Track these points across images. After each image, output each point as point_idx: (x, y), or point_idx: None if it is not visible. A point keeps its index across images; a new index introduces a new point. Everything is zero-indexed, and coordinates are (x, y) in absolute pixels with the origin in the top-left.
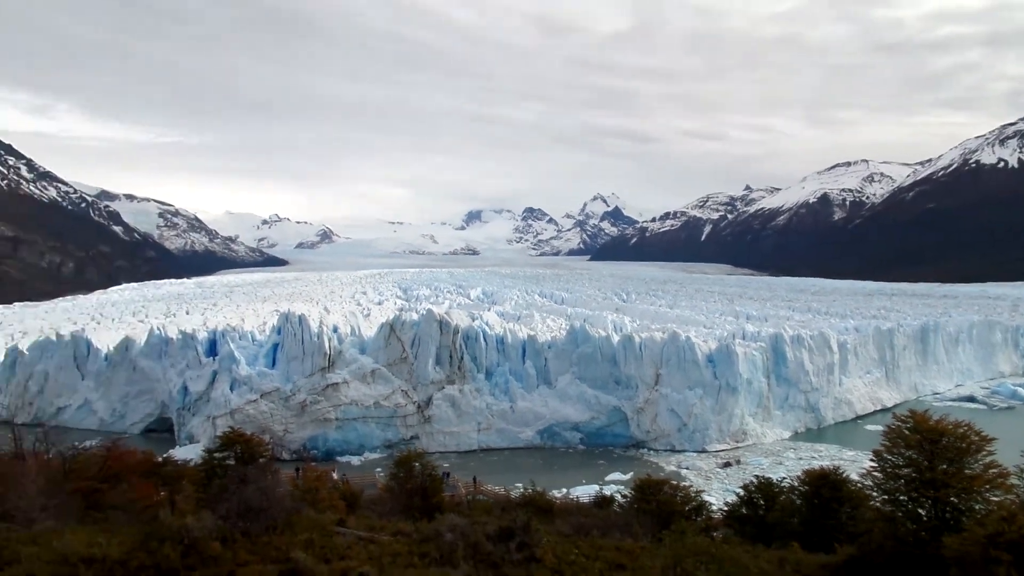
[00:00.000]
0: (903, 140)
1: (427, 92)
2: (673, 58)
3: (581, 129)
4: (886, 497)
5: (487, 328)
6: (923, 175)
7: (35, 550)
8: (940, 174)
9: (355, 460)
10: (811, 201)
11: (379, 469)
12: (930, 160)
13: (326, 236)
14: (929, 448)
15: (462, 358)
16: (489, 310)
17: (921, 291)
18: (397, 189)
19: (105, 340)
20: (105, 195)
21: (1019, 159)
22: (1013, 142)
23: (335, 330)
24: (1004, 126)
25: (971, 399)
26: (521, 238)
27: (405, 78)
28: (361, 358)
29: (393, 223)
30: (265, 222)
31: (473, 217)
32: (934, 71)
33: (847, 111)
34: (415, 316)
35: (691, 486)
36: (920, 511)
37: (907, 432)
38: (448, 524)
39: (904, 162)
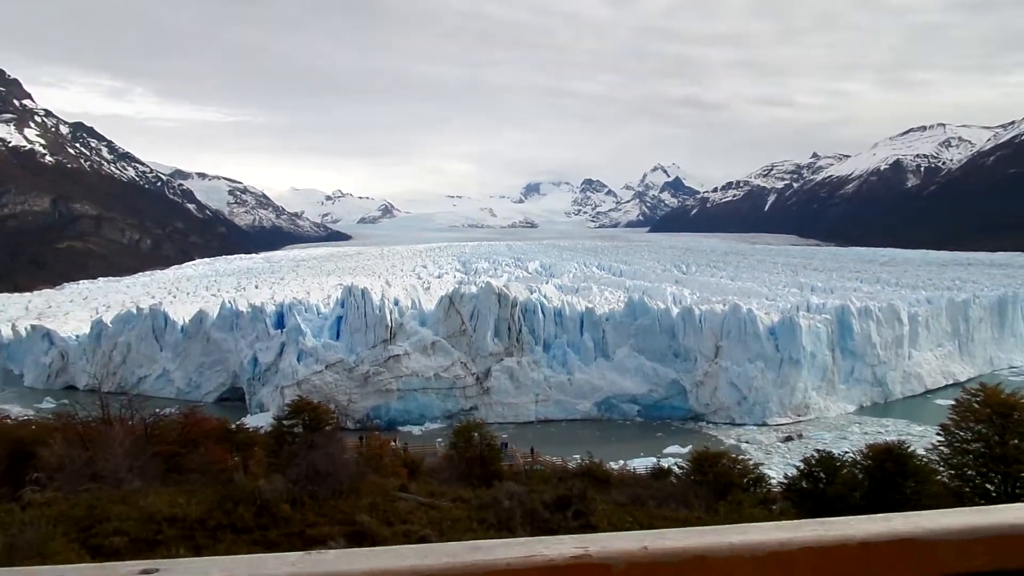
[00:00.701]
0: (987, 102)
1: (497, 67)
2: (739, 23)
3: (645, 99)
4: (953, 472)
5: (545, 301)
6: (1005, 139)
7: (124, 509)
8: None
9: (416, 430)
10: (882, 168)
11: (439, 439)
12: (1013, 123)
13: (387, 211)
14: (1000, 422)
15: (520, 330)
16: (547, 283)
17: (1000, 261)
18: (460, 164)
19: (181, 313)
20: (179, 174)
21: None
22: None
23: (396, 303)
24: None
25: None
26: (579, 210)
27: (477, 55)
28: (421, 330)
29: (452, 197)
30: (328, 198)
31: (531, 190)
32: (1021, 28)
33: (925, 72)
34: (474, 289)
35: (750, 459)
36: (989, 486)
37: (976, 406)
38: (506, 492)
39: (985, 125)
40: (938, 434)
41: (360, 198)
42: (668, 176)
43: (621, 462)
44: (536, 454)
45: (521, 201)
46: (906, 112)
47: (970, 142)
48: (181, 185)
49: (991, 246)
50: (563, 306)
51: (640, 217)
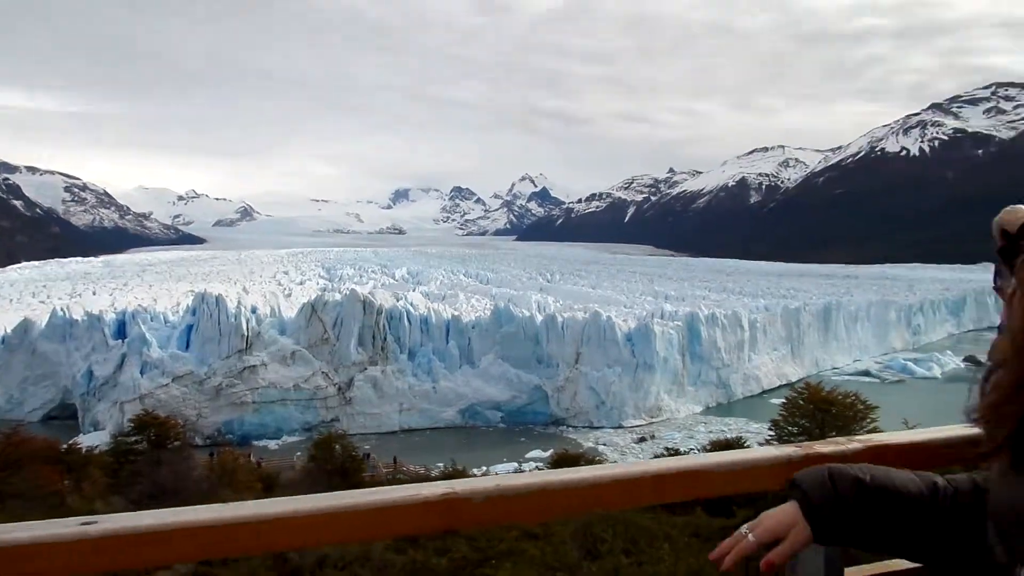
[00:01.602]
0: (819, 127)
1: (366, 70)
2: (606, 40)
3: (514, 110)
4: None
5: (411, 308)
6: (833, 161)
7: None
8: (849, 161)
9: (273, 444)
10: (730, 185)
11: (298, 453)
12: (840, 147)
13: (246, 214)
14: (820, 416)
15: (385, 339)
16: (414, 290)
17: (826, 272)
18: (326, 167)
19: (1, 322)
20: (4, 167)
21: (920, 148)
22: (916, 131)
23: (254, 311)
24: (908, 116)
25: (866, 373)
26: (448, 218)
27: (346, 56)
28: (281, 339)
29: (318, 201)
30: (181, 198)
31: (400, 196)
32: (849, 62)
33: (768, 98)
34: (338, 296)
35: (606, 460)
36: None
37: (801, 403)
38: None
39: (817, 148)
40: (770, 429)
41: (217, 199)
42: (535, 186)
43: (484, 468)
44: (399, 463)
45: (389, 207)
46: (752, 132)
47: (804, 163)
48: (7, 179)
49: (820, 258)
50: (430, 314)
51: (508, 225)
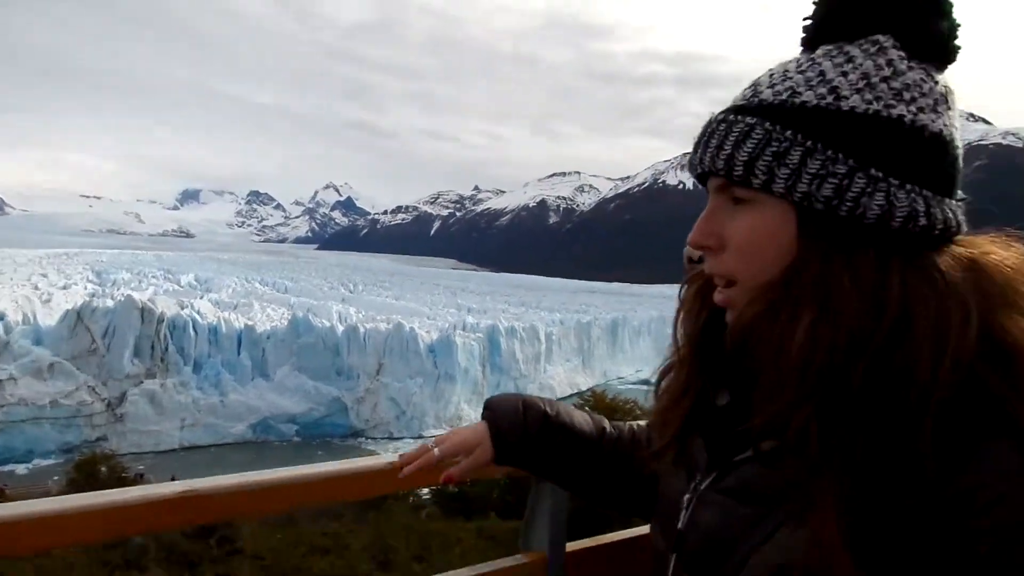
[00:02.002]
0: (612, 158)
1: (152, 59)
2: (414, 56)
3: (319, 117)
4: None
5: (198, 317)
6: (623, 189)
7: None
8: (636, 190)
9: (21, 468)
10: (531, 205)
11: (55, 477)
12: (628, 176)
13: None
14: None
15: (166, 349)
16: (202, 297)
17: (615, 290)
18: (97, 160)
19: None
20: None
21: (694, 183)
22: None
23: (1, 318)
24: (685, 154)
25: (646, 382)
26: (244, 223)
27: (130, 43)
28: (36, 350)
29: (89, 197)
30: None
31: (189, 197)
32: (637, 101)
33: (567, 127)
34: (110, 303)
35: None
36: None
37: (587, 409)
38: None
39: (609, 176)
40: None
41: None
42: (340, 195)
43: None
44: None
45: (176, 208)
46: (553, 157)
47: (598, 189)
48: None
49: (610, 277)
50: (219, 323)
51: (309, 234)
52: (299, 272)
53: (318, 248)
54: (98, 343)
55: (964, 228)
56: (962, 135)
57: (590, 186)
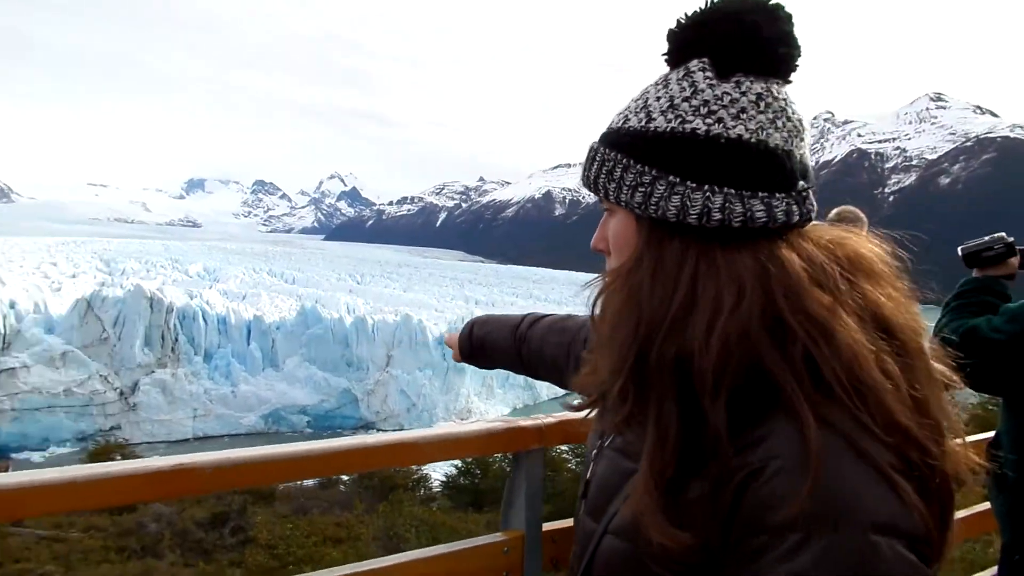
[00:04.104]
0: None
1: (156, 47)
2: (420, 45)
3: (324, 105)
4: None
5: (207, 307)
6: None
7: None
8: None
9: (37, 456)
10: (536, 197)
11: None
12: None
13: (3, 194)
14: None
15: (176, 339)
16: (210, 288)
17: None
18: (104, 147)
19: None
20: None
21: None
22: None
23: (12, 306)
24: None
25: None
26: (250, 212)
27: (133, 32)
28: (48, 339)
29: (95, 185)
30: None
31: (195, 186)
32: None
33: (571, 117)
34: (120, 292)
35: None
36: None
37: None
38: (152, 514)
39: None
40: None
41: None
42: (345, 185)
43: None
44: None
45: (182, 197)
46: (556, 148)
47: None
48: None
49: None
50: (228, 313)
51: (315, 224)
52: (306, 263)
53: (324, 238)
54: (109, 332)
55: (785, 217)
56: (966, 126)
57: None
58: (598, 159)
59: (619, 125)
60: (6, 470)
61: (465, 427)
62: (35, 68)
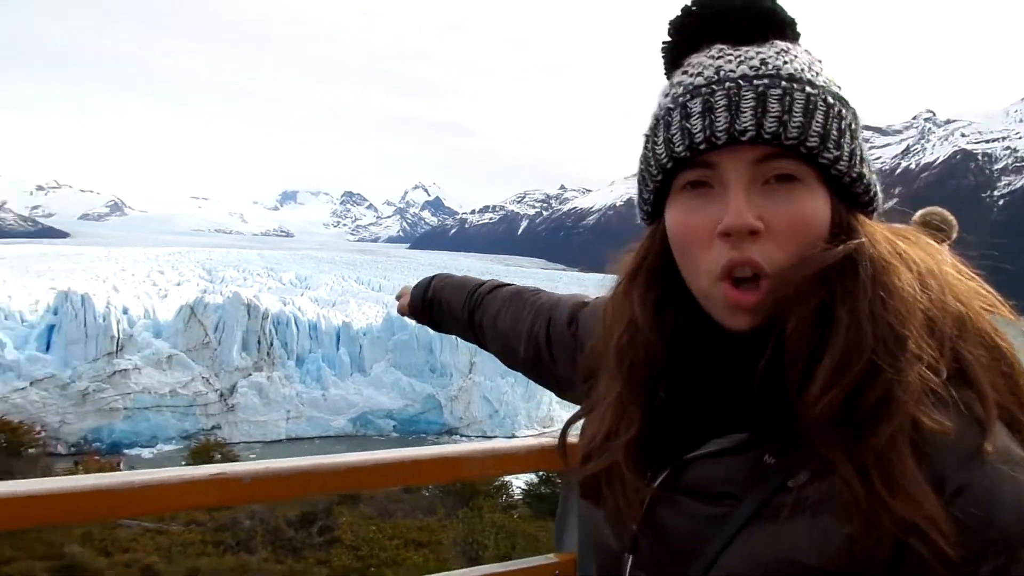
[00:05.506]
0: None
1: (251, 69)
2: (498, 56)
3: (404, 118)
4: None
5: (299, 313)
6: None
7: None
8: None
9: (146, 453)
10: (618, 204)
11: (183, 461)
12: None
13: (117, 208)
14: None
15: (271, 344)
16: (302, 295)
17: None
18: (206, 163)
19: None
20: None
21: None
22: None
23: (125, 312)
24: None
25: None
26: (339, 222)
27: (224, 54)
28: (156, 342)
29: (198, 198)
30: (40, 188)
31: (288, 197)
32: None
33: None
34: (220, 299)
35: None
36: None
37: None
38: (247, 511)
39: None
40: None
41: (83, 191)
42: (429, 195)
43: None
44: None
45: (276, 208)
46: (636, 154)
47: None
48: None
49: None
50: (319, 319)
51: (401, 233)
52: (392, 271)
53: (409, 247)
54: (210, 337)
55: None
56: None
57: None
58: (825, 107)
59: (815, 76)
60: (119, 465)
61: (515, 442)
62: (148, 91)
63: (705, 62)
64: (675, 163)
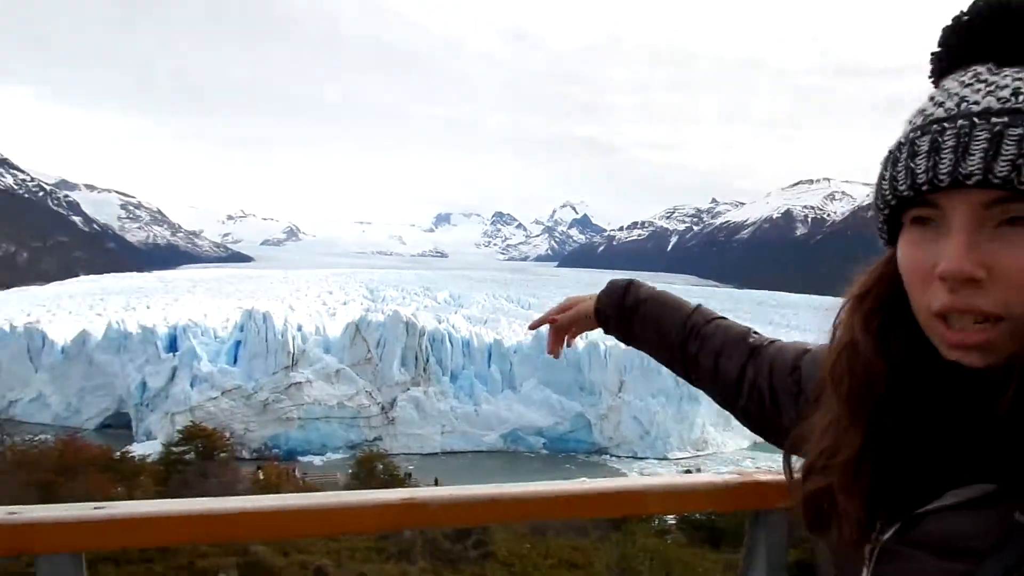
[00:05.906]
0: (866, 160)
1: (404, 96)
2: (640, 70)
3: (550, 137)
4: None
5: (453, 331)
6: None
7: None
8: None
9: (317, 460)
10: (774, 216)
11: (349, 469)
12: None
13: (292, 233)
14: None
15: (428, 360)
16: (456, 313)
17: None
18: (368, 189)
19: (61, 332)
20: (65, 184)
21: None
22: None
23: (299, 328)
24: None
25: None
26: (490, 242)
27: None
28: (325, 357)
29: (361, 223)
30: (230, 217)
31: (442, 220)
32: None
33: (809, 130)
34: (381, 317)
35: None
36: None
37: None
38: None
39: (865, 182)
40: None
41: (264, 219)
42: (576, 213)
43: None
44: (440, 484)
45: (432, 230)
46: (794, 165)
47: (852, 196)
48: (67, 196)
49: None
50: (471, 337)
51: (549, 252)
52: (540, 289)
53: (557, 265)
54: (372, 353)
55: None
56: None
57: (843, 193)
58: None
59: None
60: (294, 471)
61: (693, 478)
62: (319, 119)
63: (952, 89)
64: (899, 201)
